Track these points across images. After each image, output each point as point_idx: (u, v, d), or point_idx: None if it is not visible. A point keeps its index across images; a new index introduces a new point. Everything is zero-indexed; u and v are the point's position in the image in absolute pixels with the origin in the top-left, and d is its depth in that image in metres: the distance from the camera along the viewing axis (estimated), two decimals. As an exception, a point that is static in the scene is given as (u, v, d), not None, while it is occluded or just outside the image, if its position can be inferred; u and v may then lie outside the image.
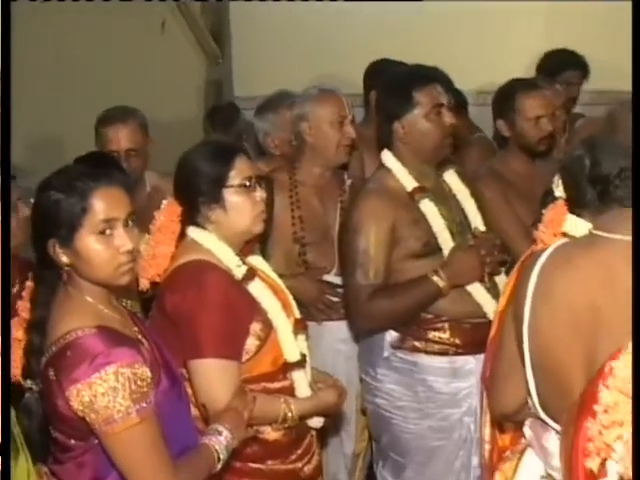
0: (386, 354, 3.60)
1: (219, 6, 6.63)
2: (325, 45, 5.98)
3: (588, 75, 5.22)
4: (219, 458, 2.54)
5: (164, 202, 3.01)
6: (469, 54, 5.79)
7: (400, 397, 3.61)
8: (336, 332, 3.94)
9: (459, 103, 4.94)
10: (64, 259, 2.35)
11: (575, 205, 2.48)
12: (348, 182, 4.08)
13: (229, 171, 2.94)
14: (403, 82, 3.55)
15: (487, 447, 2.84)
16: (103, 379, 2.23)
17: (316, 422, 3.11)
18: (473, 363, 3.54)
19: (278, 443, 2.99)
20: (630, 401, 1.55)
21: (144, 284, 2.96)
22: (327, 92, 4.05)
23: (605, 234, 2.14)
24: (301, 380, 3.03)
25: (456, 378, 3.57)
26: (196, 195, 2.95)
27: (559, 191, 2.63)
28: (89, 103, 4.90)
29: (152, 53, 6.23)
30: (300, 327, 3.09)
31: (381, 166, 3.64)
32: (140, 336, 2.48)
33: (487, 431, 2.79)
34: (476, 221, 3.65)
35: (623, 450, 1.52)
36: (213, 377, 2.79)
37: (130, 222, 2.38)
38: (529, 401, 2.33)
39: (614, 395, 1.60)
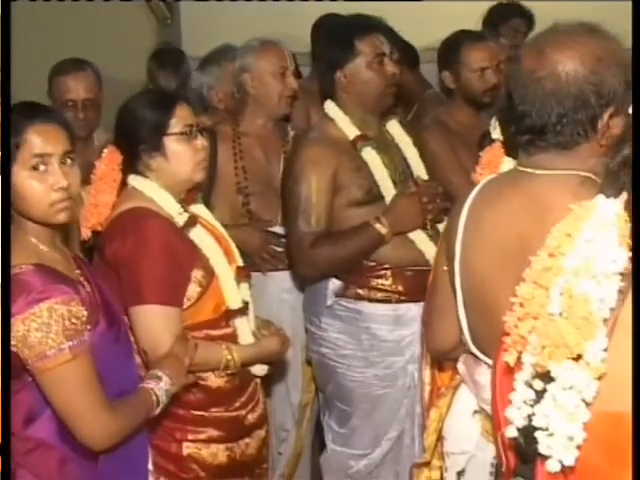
0: (330, 303, 3.62)
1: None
2: (274, 4, 5.94)
3: (534, 25, 5.25)
4: (158, 402, 2.54)
5: (105, 151, 3.00)
6: (417, 10, 5.81)
7: (344, 346, 3.64)
8: (280, 282, 3.95)
9: (411, 59, 5.01)
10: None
11: (511, 147, 2.48)
12: (291, 134, 4.08)
13: (170, 119, 2.93)
14: (345, 31, 3.55)
15: (427, 389, 2.86)
16: (37, 315, 2.24)
17: (259, 370, 3.13)
18: (415, 310, 3.54)
19: (221, 390, 3.01)
20: (546, 293, 1.58)
21: (86, 233, 2.96)
22: (269, 43, 4.05)
23: (529, 170, 2.15)
24: (243, 327, 3.05)
25: (399, 325, 3.60)
26: (137, 143, 2.94)
27: (496, 133, 2.66)
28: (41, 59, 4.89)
29: (101, 14, 6.20)
30: (242, 275, 3.10)
31: (324, 116, 3.64)
32: (82, 278, 2.48)
33: (427, 372, 2.82)
34: (418, 170, 3.68)
35: (536, 341, 1.55)
36: (154, 323, 2.80)
37: (69, 160, 2.36)
38: (463, 337, 2.36)
39: (529, 287, 1.62)
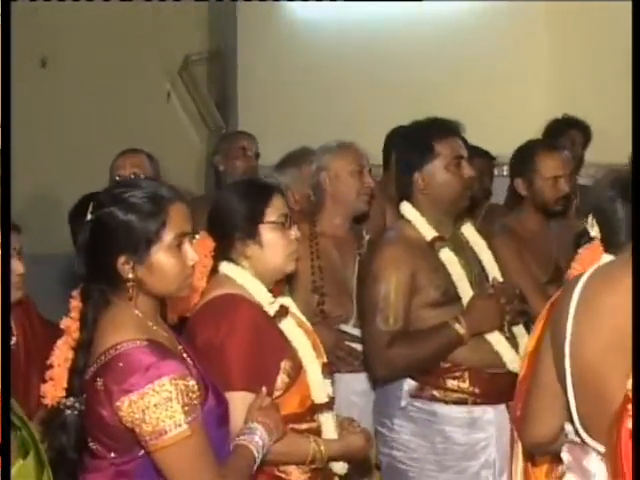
0: (403, 404, 3.58)
1: (226, 74, 6.73)
2: (336, 115, 6.09)
3: (590, 138, 5.42)
4: (255, 458, 2.54)
5: (197, 236, 2.98)
6: (469, 118, 5.96)
7: (417, 449, 3.58)
8: (351, 384, 3.91)
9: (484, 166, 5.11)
10: (132, 274, 2.38)
11: (610, 245, 2.53)
12: (367, 237, 4.13)
13: (266, 207, 2.98)
14: (424, 133, 3.62)
15: None
16: (156, 390, 2.24)
17: (341, 468, 3.08)
18: (492, 413, 3.54)
19: (303, 486, 2.97)
20: None
21: (172, 319, 2.93)
22: (346, 144, 4.17)
23: None
24: (328, 422, 3.02)
25: (474, 429, 3.55)
26: (232, 230, 2.98)
27: (594, 231, 2.68)
28: (88, 167, 5.00)
29: (153, 121, 6.37)
30: (327, 370, 3.08)
31: (400, 218, 3.69)
32: (185, 355, 2.50)
33: (519, 464, 2.79)
34: (494, 272, 3.69)
35: None
36: (241, 410, 2.76)
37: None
38: (567, 427, 2.31)
39: None
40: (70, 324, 2.49)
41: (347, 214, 4.10)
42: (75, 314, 2.48)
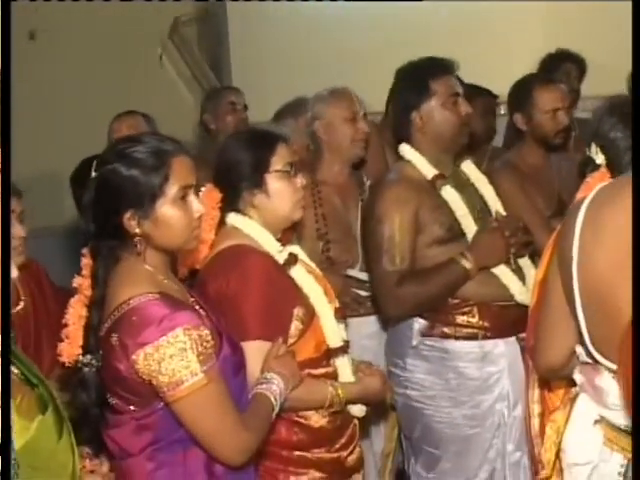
0: (415, 343, 3.62)
1: (217, 34, 6.71)
2: (331, 70, 5.97)
3: (585, 70, 5.45)
4: (274, 406, 2.57)
5: (202, 189, 3.02)
6: (470, 59, 5.96)
7: (431, 386, 3.63)
8: (362, 328, 3.92)
9: (484, 105, 5.09)
10: (139, 229, 2.40)
11: (615, 169, 2.58)
12: (367, 182, 4.15)
13: (271, 156, 2.99)
14: (420, 73, 3.64)
15: (536, 420, 2.84)
16: (170, 341, 2.26)
17: (359, 410, 3.11)
18: (502, 346, 3.59)
19: (323, 430, 3.00)
20: None
21: (183, 272, 2.95)
22: (338, 91, 4.17)
23: None
24: (344, 366, 3.05)
25: (486, 363, 3.60)
26: (238, 180, 2.99)
27: (599, 159, 2.71)
28: (83, 137, 5.02)
29: (147, 86, 6.37)
30: (340, 315, 3.11)
31: (400, 159, 3.71)
32: (197, 307, 2.52)
33: (535, 392, 2.83)
34: (496, 206, 3.72)
35: None
36: (257, 359, 2.78)
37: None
38: (578, 349, 2.36)
39: None
40: (82, 282, 2.51)
41: (344, 161, 4.11)
42: (86, 272, 2.50)
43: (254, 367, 2.77)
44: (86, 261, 2.51)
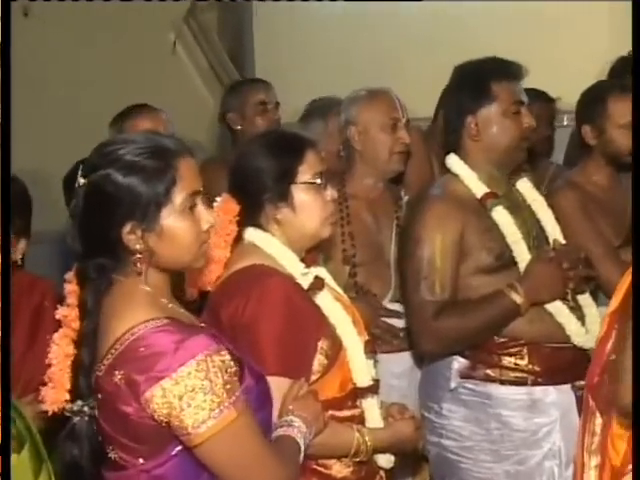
0: (453, 385, 3.46)
1: (239, 20, 6.57)
2: (366, 68, 5.88)
3: None
4: (300, 450, 2.42)
5: (218, 199, 2.89)
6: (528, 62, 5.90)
7: (470, 436, 3.47)
8: (391, 366, 3.75)
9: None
10: (141, 245, 2.21)
11: None
12: (405, 198, 3.98)
13: (299, 165, 2.85)
14: (482, 73, 3.48)
15: (592, 470, 2.76)
16: (192, 372, 2.09)
17: (387, 461, 2.96)
18: (555, 395, 3.43)
19: (346, 481, 2.84)
20: None
21: (192, 293, 2.81)
22: (377, 92, 4.01)
23: None
24: (372, 409, 2.90)
25: (536, 412, 3.43)
26: (260, 191, 2.85)
27: None
28: (80, 132, 4.86)
29: (156, 76, 6.21)
30: (370, 350, 2.96)
31: (446, 172, 3.54)
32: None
33: (595, 439, 2.74)
34: (555, 233, 3.56)
35: None
36: (276, 399, 2.60)
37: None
38: None
39: None
40: (67, 313, 2.29)
41: (379, 174, 3.95)
42: (72, 300, 2.29)
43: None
44: (71, 287, 2.29)
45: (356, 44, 6.12)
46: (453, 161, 3.51)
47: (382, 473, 2.99)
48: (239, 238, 2.88)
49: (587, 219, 3.91)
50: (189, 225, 2.25)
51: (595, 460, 2.74)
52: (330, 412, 2.78)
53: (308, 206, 2.87)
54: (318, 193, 2.88)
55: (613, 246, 3.93)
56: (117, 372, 2.13)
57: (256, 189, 2.86)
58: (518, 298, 3.34)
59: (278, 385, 2.62)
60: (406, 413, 3.04)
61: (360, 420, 2.88)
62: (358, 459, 2.81)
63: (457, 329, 3.38)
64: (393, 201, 4.01)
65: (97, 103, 5.53)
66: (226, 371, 2.14)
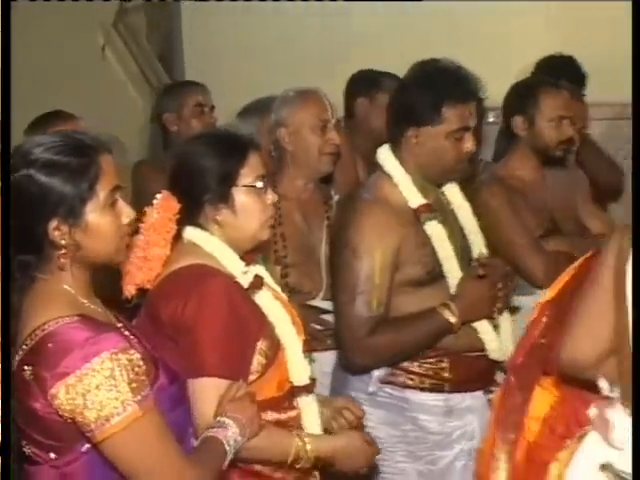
0: (372, 390, 3.46)
1: (168, 23, 6.49)
2: (297, 68, 5.81)
3: (585, 78, 5.22)
4: (226, 453, 2.41)
5: (158, 196, 2.85)
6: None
7: (385, 438, 3.44)
8: (321, 365, 3.62)
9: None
10: (67, 240, 2.22)
11: None
12: (335, 197, 3.97)
13: (241, 168, 2.84)
14: (435, 92, 3.36)
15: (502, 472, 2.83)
16: (95, 369, 2.10)
17: None
18: (469, 400, 3.48)
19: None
20: None
21: (130, 291, 2.77)
22: (306, 93, 3.99)
23: None
24: (309, 408, 2.93)
25: (451, 417, 3.48)
26: (201, 192, 2.83)
27: None
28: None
29: (86, 80, 6.14)
30: (307, 348, 2.97)
31: (379, 172, 3.48)
32: (127, 332, 2.34)
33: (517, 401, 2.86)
34: (479, 244, 3.54)
35: None
36: (212, 398, 2.64)
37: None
38: (601, 383, 2.45)
39: None
40: None
41: (310, 175, 3.93)
42: None
43: (207, 408, 2.64)
44: None
45: (288, 43, 6.10)
46: (386, 157, 3.46)
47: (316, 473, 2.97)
48: (178, 237, 2.84)
49: (512, 212, 4.01)
50: (111, 219, 2.30)
51: (510, 435, 2.81)
52: (269, 413, 2.80)
53: (248, 209, 2.86)
54: (259, 196, 2.87)
55: (535, 237, 4.05)
56: (26, 367, 2.16)
57: (197, 189, 2.85)
58: (452, 317, 3.35)
59: (216, 386, 2.65)
60: (352, 405, 3.12)
61: (298, 423, 2.90)
62: (298, 466, 2.78)
63: (391, 346, 3.37)
64: (323, 201, 4.00)
65: (24, 109, 5.48)
66: (132, 370, 2.15)
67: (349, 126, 4.78)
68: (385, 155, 3.47)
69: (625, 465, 2.31)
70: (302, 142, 3.91)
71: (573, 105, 4.28)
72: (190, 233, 2.87)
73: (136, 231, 2.77)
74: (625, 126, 5.44)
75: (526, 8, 6.09)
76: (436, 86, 3.37)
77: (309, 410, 2.92)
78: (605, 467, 2.37)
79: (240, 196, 2.85)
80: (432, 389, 3.46)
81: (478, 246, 3.56)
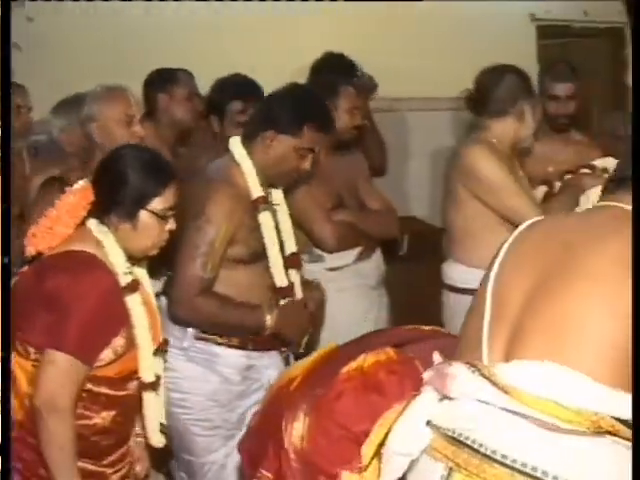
0: (186, 345, 3.79)
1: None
2: (121, 63, 5.92)
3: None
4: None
5: (80, 182, 3.08)
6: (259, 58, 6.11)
7: (190, 389, 3.84)
8: None
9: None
10: None
11: None
12: None
13: (156, 196, 3.10)
14: (301, 113, 3.75)
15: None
16: None
17: (158, 441, 3.37)
18: (267, 359, 3.92)
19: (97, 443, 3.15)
20: None
21: (30, 251, 3.06)
22: (113, 90, 4.23)
23: None
24: (150, 401, 3.28)
25: (251, 372, 3.89)
26: (115, 200, 3.06)
27: None
28: None
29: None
30: (162, 348, 3.28)
31: (228, 156, 3.81)
32: None
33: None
34: (291, 243, 3.95)
35: None
36: (63, 373, 2.95)
37: None
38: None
39: None
40: None
41: None
42: None
43: (50, 377, 2.95)
44: None
45: (111, 44, 6.15)
46: (237, 149, 3.80)
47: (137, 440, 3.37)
48: (83, 222, 3.12)
49: (306, 189, 4.44)
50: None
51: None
52: (103, 389, 3.11)
53: (148, 231, 3.12)
54: (161, 223, 3.12)
55: (327, 209, 4.59)
56: None
57: (112, 196, 3.09)
58: (269, 322, 3.75)
59: (71, 364, 2.96)
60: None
61: (135, 399, 3.24)
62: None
63: (213, 315, 3.69)
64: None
65: None
66: None
67: (153, 120, 5.00)
68: (236, 146, 3.80)
69: (449, 421, 2.31)
70: (109, 135, 4.13)
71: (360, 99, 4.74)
72: (93, 225, 3.12)
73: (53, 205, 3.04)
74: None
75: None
76: (310, 107, 3.78)
77: (151, 404, 3.30)
78: (431, 425, 2.35)
79: (145, 218, 3.11)
80: (238, 347, 3.85)
81: (289, 244, 3.97)
